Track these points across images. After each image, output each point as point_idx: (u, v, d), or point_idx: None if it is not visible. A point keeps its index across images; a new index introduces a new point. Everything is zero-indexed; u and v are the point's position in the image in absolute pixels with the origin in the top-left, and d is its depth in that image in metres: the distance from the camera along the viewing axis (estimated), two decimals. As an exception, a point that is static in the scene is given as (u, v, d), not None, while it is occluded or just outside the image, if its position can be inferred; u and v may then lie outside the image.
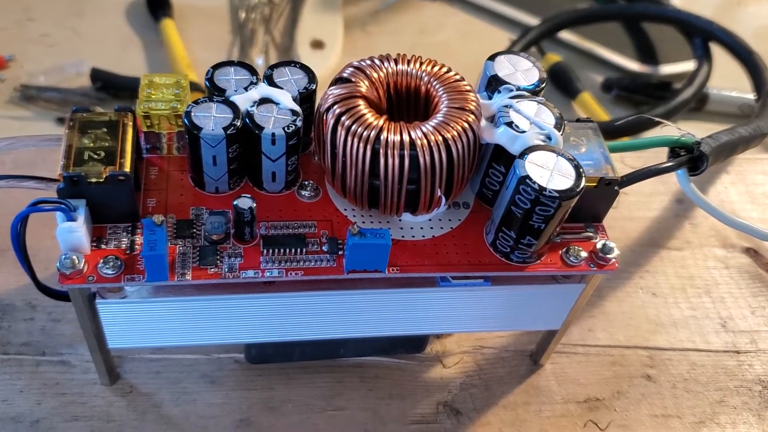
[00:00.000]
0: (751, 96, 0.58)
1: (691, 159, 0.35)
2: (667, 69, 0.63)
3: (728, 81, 0.61)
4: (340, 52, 0.60)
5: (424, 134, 0.30)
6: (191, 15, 0.61)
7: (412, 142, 0.29)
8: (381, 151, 0.29)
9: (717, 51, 0.60)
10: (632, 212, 0.47)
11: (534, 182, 0.29)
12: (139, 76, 0.53)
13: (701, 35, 0.61)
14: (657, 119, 0.36)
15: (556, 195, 0.29)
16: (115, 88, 0.54)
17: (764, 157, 0.52)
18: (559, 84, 0.61)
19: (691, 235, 0.47)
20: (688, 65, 0.62)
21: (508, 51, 0.34)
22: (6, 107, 0.52)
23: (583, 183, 0.29)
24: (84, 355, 0.37)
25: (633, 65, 0.63)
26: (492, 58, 0.34)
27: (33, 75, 0.54)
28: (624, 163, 0.48)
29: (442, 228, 0.33)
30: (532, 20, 0.64)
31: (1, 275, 0.39)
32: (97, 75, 0.54)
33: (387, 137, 0.29)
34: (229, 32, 0.61)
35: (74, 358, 0.37)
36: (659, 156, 0.41)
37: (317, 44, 0.60)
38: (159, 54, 0.58)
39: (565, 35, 0.64)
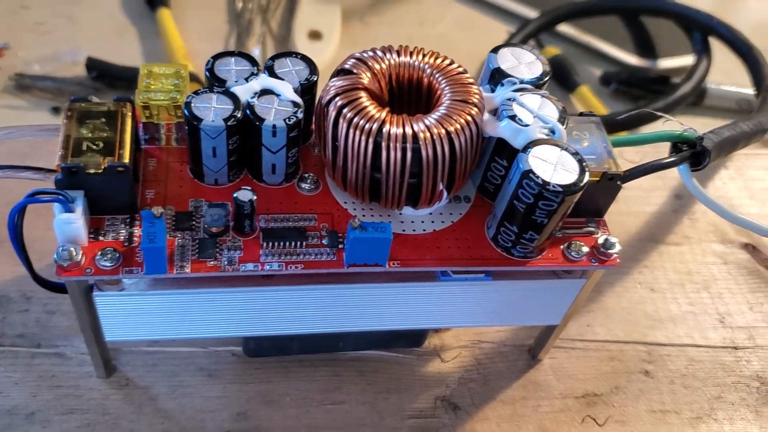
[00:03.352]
0: (749, 91, 0.58)
1: (694, 154, 0.35)
2: (666, 63, 0.63)
3: (726, 76, 0.61)
4: (338, 43, 0.60)
5: (427, 127, 0.29)
6: (187, 4, 0.60)
7: (415, 135, 0.29)
8: (383, 143, 0.29)
9: (715, 46, 0.60)
10: (631, 207, 0.47)
11: (537, 176, 0.28)
12: (135, 65, 0.54)
13: (701, 29, 0.60)
14: (660, 114, 0.36)
15: (560, 189, 0.28)
16: (111, 77, 0.54)
17: (763, 152, 0.52)
18: (558, 77, 0.61)
19: (689, 230, 0.47)
20: (687, 59, 0.62)
21: (512, 43, 0.34)
22: (0, 96, 0.51)
23: (586, 178, 0.29)
24: (80, 347, 0.36)
25: (632, 59, 0.63)
26: (495, 50, 0.33)
27: (28, 63, 0.54)
28: (623, 157, 0.47)
29: (443, 222, 0.33)
30: (531, 13, 0.64)
31: (-4, 266, 0.39)
32: (92, 64, 0.54)
33: (389, 130, 0.29)
34: (226, 22, 0.60)
35: (70, 351, 0.36)
36: (658, 151, 0.41)
37: (315, 35, 0.60)
38: (155, 43, 0.57)
39: (564, 28, 0.64)
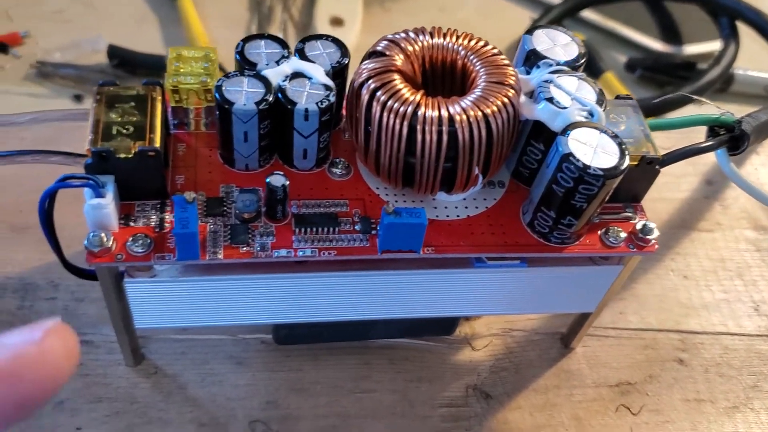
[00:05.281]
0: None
1: (732, 138, 0.34)
2: (691, 49, 0.62)
3: (754, 61, 0.59)
4: (360, 29, 0.59)
5: (463, 110, 0.29)
6: (208, -9, 0.60)
7: (451, 118, 0.29)
8: (418, 127, 0.29)
9: (743, 30, 0.59)
10: (662, 193, 0.46)
11: (578, 160, 0.28)
12: (156, 53, 0.53)
13: (728, 14, 0.59)
14: (696, 97, 0.35)
15: (601, 173, 0.28)
16: (132, 65, 0.53)
17: (795, 138, 0.51)
18: (583, 63, 0.60)
19: (721, 216, 0.46)
20: (713, 45, 0.61)
21: (546, 25, 0.33)
22: (22, 84, 0.51)
23: (627, 161, 0.28)
24: (108, 335, 0.36)
25: (657, 45, 0.62)
26: (530, 31, 0.33)
27: (48, 51, 0.53)
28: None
29: (477, 207, 0.32)
30: (555, -2, 0.63)
31: (23, 253, 0.38)
32: (114, 52, 0.53)
33: (424, 113, 0.29)
34: (247, 9, 0.60)
35: (98, 338, 0.36)
36: (688, 136, 0.40)
37: (336, 21, 0.59)
38: (175, 31, 0.57)
39: (588, 14, 0.63)
